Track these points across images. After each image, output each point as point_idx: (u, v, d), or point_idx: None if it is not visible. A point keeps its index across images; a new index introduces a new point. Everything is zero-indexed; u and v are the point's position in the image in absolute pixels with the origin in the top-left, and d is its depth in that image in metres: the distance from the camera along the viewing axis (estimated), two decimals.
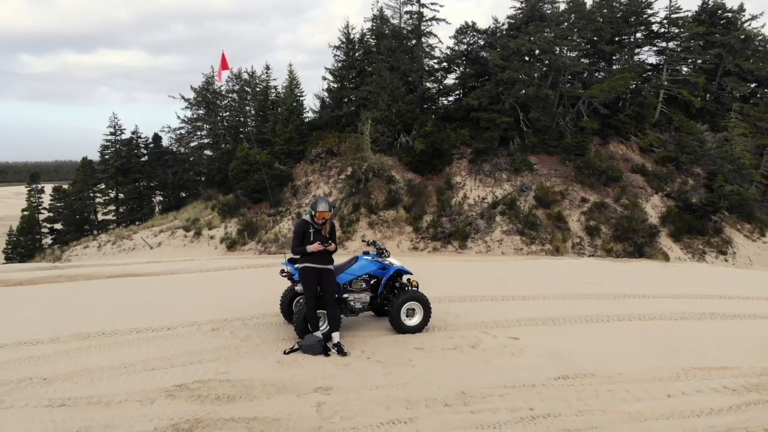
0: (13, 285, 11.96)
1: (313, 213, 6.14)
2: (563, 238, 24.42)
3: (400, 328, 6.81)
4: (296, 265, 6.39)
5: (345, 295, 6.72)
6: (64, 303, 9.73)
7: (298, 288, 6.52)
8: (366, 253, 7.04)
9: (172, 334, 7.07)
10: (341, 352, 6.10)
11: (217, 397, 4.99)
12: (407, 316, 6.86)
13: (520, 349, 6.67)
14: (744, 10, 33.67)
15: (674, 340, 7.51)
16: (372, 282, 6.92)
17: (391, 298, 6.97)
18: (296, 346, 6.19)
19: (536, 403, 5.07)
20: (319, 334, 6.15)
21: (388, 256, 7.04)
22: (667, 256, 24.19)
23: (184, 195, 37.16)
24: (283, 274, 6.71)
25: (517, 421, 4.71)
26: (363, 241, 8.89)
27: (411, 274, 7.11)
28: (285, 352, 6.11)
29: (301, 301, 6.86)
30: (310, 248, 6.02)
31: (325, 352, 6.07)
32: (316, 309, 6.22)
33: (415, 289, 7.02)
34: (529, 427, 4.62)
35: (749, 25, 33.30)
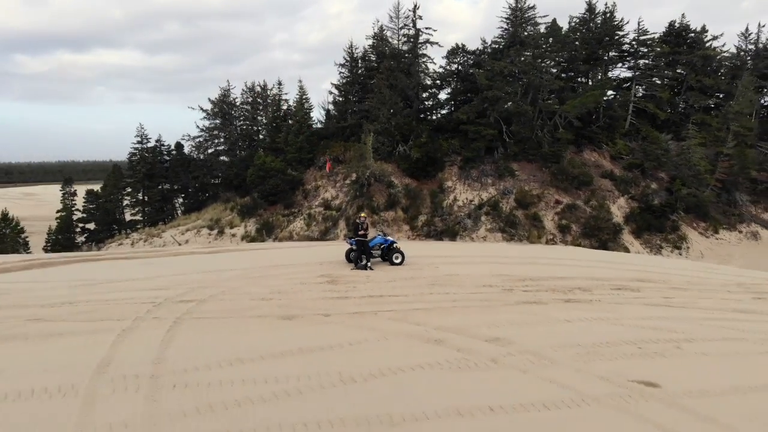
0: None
1: (359, 217, 13.18)
2: (538, 235, 28.44)
3: (392, 263, 13.69)
4: (353, 239, 13.28)
5: (371, 251, 13.36)
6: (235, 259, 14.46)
7: (353, 249, 13.30)
8: (380, 234, 13.60)
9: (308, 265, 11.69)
10: (370, 269, 12.77)
11: (335, 279, 9.32)
12: (394, 258, 13.77)
13: (435, 267, 11.33)
14: (706, 31, 37.71)
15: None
16: (381, 245, 13.73)
17: (388, 252, 13.55)
18: (353, 268, 12.90)
19: (425, 294, 9.25)
20: (363, 263, 12.79)
21: (388, 236, 13.41)
22: (628, 250, 28.23)
23: (203, 197, 41.13)
24: (347, 241, 14.26)
25: (424, 290, 8.86)
26: (379, 232, 15.09)
27: (397, 242, 14.03)
28: (351, 269, 12.84)
29: (352, 253, 13.56)
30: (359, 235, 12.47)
31: (365, 268, 12.67)
32: (361, 254, 12.97)
33: (399, 248, 14.04)
34: (419, 301, 8.81)
35: (710, 44, 37.33)
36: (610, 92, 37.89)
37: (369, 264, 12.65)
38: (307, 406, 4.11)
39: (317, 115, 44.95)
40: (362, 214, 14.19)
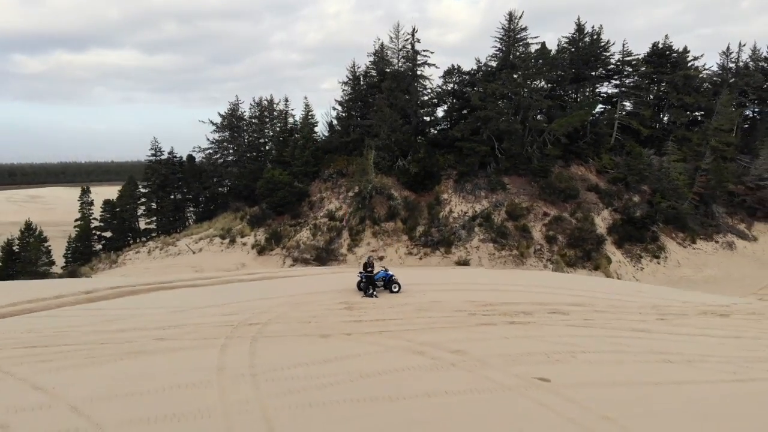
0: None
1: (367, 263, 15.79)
2: (527, 245, 30.79)
3: (391, 292, 15.93)
4: (363, 274, 15.70)
5: (376, 282, 15.43)
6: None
7: (362, 281, 15.70)
8: (383, 269, 16.39)
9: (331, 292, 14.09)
10: (375, 297, 15.16)
11: (351, 306, 11.69)
12: (393, 288, 15.95)
13: (423, 294, 13.82)
14: (688, 52, 40.07)
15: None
16: (383, 279, 15.81)
17: (389, 283, 15.47)
18: (363, 296, 15.24)
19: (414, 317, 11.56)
20: (371, 292, 15.20)
21: (388, 270, 14.90)
22: (610, 260, 30.60)
23: (214, 207, 43.50)
24: (359, 275, 16.10)
25: (413, 314, 11.20)
26: (381, 267, 17.12)
27: (394, 275, 16.29)
28: (362, 297, 15.20)
29: (362, 284, 15.91)
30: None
31: (372, 296, 15.08)
32: (368, 286, 15.41)
33: (396, 279, 15.87)
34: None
35: (692, 64, 39.69)
36: (599, 106, 40.38)
37: (375, 293, 15.30)
38: (343, 390, 6.64)
39: (321, 125, 47.02)
40: (370, 255, 19.31)
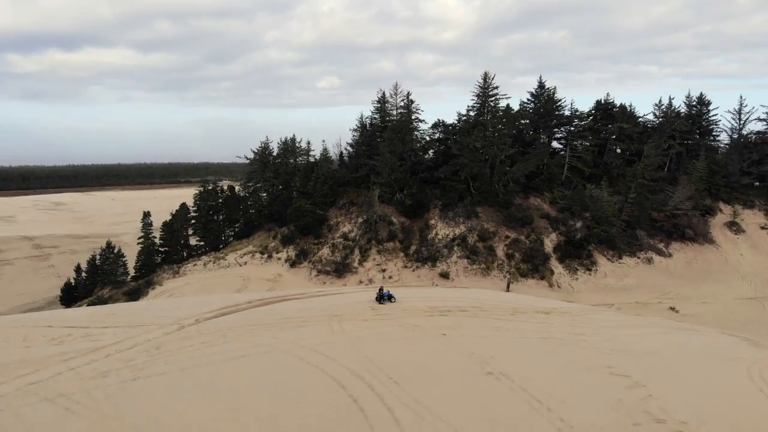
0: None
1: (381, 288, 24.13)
2: (492, 261, 40.82)
3: (391, 302, 23.65)
4: (378, 293, 23.55)
5: (384, 296, 23.88)
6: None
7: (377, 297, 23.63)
8: (387, 290, 24.47)
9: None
10: (383, 304, 22.97)
11: (374, 308, 21.66)
12: (392, 300, 23.78)
13: (410, 303, 23.35)
14: (626, 106, 50.28)
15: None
16: (389, 297, 24.23)
17: (390, 297, 24.16)
18: (378, 303, 23.08)
19: (403, 313, 21.50)
20: (382, 302, 23.07)
21: (390, 291, 24.59)
22: (553, 272, 40.61)
23: (249, 227, 53.56)
24: (377, 293, 23.88)
25: (401, 312, 21.22)
26: (387, 290, 25.86)
27: (393, 294, 24.43)
28: (377, 304, 22.96)
29: (376, 297, 23.79)
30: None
31: (382, 304, 22.90)
32: (380, 299, 23.21)
33: (393, 295, 24.23)
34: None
35: (632, 109, 49.93)
36: (555, 146, 50.54)
37: (383, 302, 24.82)
38: (374, 334, 16.31)
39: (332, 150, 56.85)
40: (382, 286, 26.86)
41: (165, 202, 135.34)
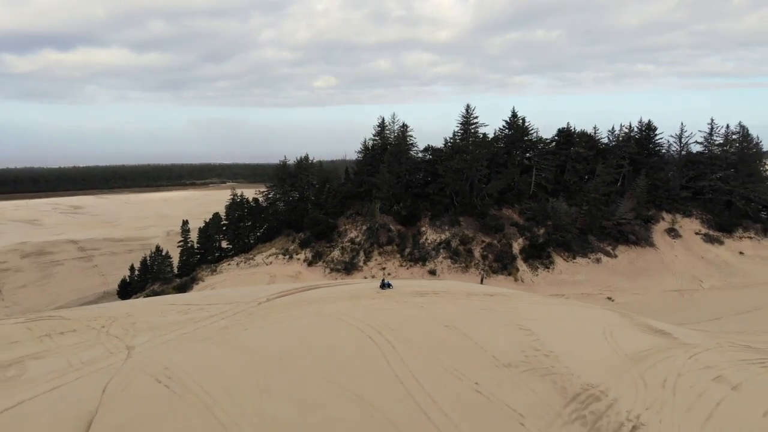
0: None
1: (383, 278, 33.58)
2: (470, 260, 50.25)
3: (389, 288, 33.22)
4: (381, 285, 32.95)
5: (386, 285, 33.42)
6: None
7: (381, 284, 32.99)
8: (387, 280, 33.91)
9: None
10: (383, 290, 32.47)
11: (378, 292, 31.22)
12: (390, 287, 33.11)
13: (404, 288, 32.87)
14: (585, 133, 59.81)
15: None
16: (389, 285, 33.67)
17: (389, 285, 33.64)
18: (380, 290, 32.45)
19: (400, 295, 31.00)
20: (384, 289, 32.56)
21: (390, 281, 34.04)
22: (518, 269, 50.08)
23: (270, 233, 62.89)
24: (380, 282, 33.44)
25: (399, 294, 30.79)
26: (387, 280, 35.38)
27: (391, 283, 33.82)
28: (380, 290, 32.46)
29: (380, 285, 33.04)
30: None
31: (384, 290, 32.46)
32: (382, 287, 32.66)
33: (391, 284, 33.59)
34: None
35: (596, 132, 59.49)
36: (527, 162, 60.06)
37: (384, 289, 34.14)
38: (381, 304, 25.66)
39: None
40: (384, 278, 36.07)
41: (179, 206, 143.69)
